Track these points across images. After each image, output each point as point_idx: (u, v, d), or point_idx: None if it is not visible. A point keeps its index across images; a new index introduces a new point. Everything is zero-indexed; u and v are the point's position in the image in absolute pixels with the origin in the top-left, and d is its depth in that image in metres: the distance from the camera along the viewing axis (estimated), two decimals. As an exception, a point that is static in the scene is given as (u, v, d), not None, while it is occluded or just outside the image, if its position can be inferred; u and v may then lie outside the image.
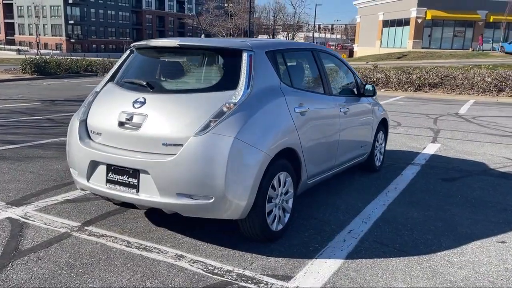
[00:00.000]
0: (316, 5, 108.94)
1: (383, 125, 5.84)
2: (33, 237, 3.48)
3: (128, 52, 3.99)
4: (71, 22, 73.39)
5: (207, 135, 3.04)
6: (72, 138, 3.63)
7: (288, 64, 3.83)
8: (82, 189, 3.77)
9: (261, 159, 3.16)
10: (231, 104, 3.15)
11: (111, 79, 3.87)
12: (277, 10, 77.00)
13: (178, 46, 3.51)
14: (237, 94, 3.20)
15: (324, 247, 3.43)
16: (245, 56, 3.37)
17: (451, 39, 45.05)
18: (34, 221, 3.81)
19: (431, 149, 7.38)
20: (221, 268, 3.06)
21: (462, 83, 18.17)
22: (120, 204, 4.16)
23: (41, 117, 9.75)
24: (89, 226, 3.74)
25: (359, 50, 51.10)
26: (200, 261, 3.15)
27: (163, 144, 3.17)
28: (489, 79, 17.77)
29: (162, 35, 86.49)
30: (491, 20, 43.77)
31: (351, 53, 60.17)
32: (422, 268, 3.14)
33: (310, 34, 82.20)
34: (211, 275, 2.95)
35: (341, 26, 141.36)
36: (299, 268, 3.08)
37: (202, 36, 4.26)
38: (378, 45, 48.47)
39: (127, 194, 3.28)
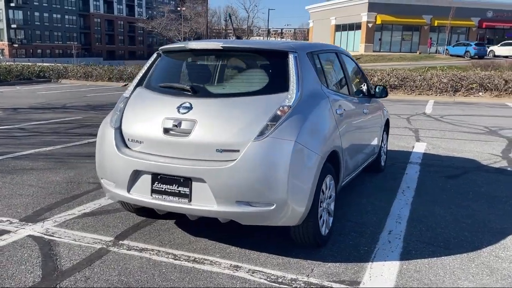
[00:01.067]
0: (269, 9, 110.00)
1: (386, 125, 5.95)
2: (69, 256, 3.22)
3: (155, 55, 3.81)
4: (14, 26, 69.78)
5: (267, 140, 2.94)
6: (107, 147, 3.40)
7: (323, 65, 3.80)
8: (119, 201, 3.53)
9: (317, 163, 3.11)
10: (286, 107, 3.07)
11: (139, 84, 3.67)
12: (227, 14, 76.88)
13: (221, 48, 3.39)
14: (290, 97, 3.12)
15: (374, 250, 3.41)
16: (291, 57, 3.30)
17: (399, 43, 46.94)
18: (60, 237, 3.54)
19: (420, 148, 7.59)
20: (284, 277, 2.96)
21: (421, 84, 18.94)
22: (145, 215, 3.95)
23: (9, 127, 9.15)
24: (123, 240, 3.52)
25: (313, 54, 52.08)
26: (259, 271, 3.04)
27: (217, 151, 3.03)
28: (445, 80, 18.64)
29: (111, 39, 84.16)
30: (435, 24, 46.05)
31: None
32: (477, 265, 3.20)
33: (261, 38, 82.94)
34: (277, 285, 2.85)
35: (290, 31, 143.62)
36: (361, 272, 3.04)
37: (233, 38, 4.12)
38: (332, 48, 49.60)
39: (177, 204, 3.11)
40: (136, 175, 3.24)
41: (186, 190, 3.08)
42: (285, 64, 3.28)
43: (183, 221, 3.90)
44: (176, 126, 3.15)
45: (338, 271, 3.05)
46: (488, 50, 39.59)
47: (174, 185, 3.12)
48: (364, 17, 44.67)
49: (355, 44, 46.43)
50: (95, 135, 8.34)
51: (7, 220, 3.90)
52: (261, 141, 2.95)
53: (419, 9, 44.98)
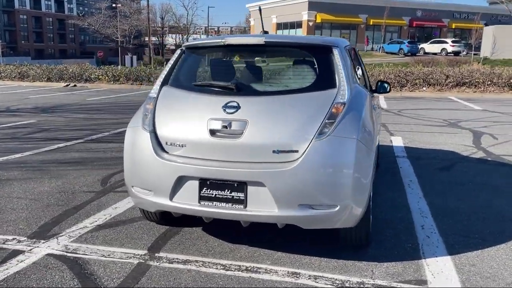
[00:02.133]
0: (208, 7, 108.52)
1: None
2: (108, 274, 2.90)
3: (178, 52, 3.53)
4: None
5: (329, 139, 2.81)
6: (142, 152, 3.10)
7: (353, 61, 3.73)
8: (157, 210, 3.21)
9: (373, 160, 3.03)
10: (340, 104, 2.96)
11: (165, 83, 3.39)
12: (164, 11, 75.13)
13: (264, 43, 3.19)
14: (343, 94, 3.01)
15: (418, 246, 3.40)
16: (336, 52, 3.19)
17: (338, 41, 48.41)
18: (86, 254, 3.19)
19: (398, 141, 7.78)
20: (349, 280, 2.86)
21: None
22: (166, 223, 3.68)
23: (-40, 133, 8.27)
24: (158, 252, 3.24)
25: (255, 52, 52.36)
26: (321, 276, 2.91)
27: (273, 152, 2.85)
28: (392, 76, 19.43)
29: (40, 37, 79.17)
30: (371, 23, 48.00)
31: (242, 55, 61.27)
32: (522, 255, 3.27)
33: (198, 37, 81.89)
34: (347, 290, 2.74)
35: (227, 29, 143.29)
36: (420, 270, 3.00)
37: (261, 32, 3.92)
38: (273, 46, 50.17)
39: (230, 211, 2.90)
40: (180, 181, 2.98)
41: (241, 195, 2.87)
42: (331, 60, 3.16)
43: (210, 227, 3.67)
44: (225, 127, 2.93)
45: (398, 271, 2.99)
46: (419, 47, 41.91)
47: (226, 190, 2.90)
48: (304, 16, 45.57)
49: (296, 42, 47.26)
50: (62, 139, 7.80)
51: (14, 239, 3.46)
52: (323, 140, 2.81)
53: (355, 8, 46.67)
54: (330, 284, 2.80)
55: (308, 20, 45.57)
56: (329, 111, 2.91)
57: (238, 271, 2.97)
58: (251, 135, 2.89)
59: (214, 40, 3.40)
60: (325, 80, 3.10)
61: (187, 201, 2.99)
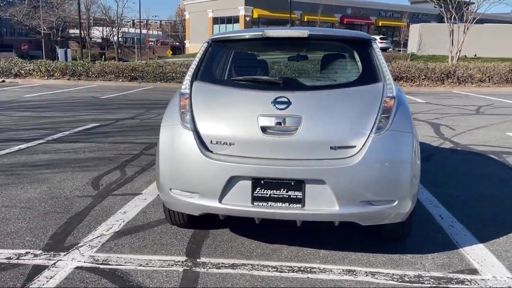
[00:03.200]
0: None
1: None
2: (158, 284, 2.67)
3: (205, 45, 3.31)
4: None
5: (388, 133, 2.79)
6: (185, 152, 2.89)
7: None
8: (201, 213, 2.99)
9: (420, 153, 3.05)
10: (390, 98, 2.94)
11: (195, 78, 3.17)
12: (90, 2, 71.41)
13: (307, 36, 3.09)
14: (390, 88, 2.99)
15: (449, 235, 3.49)
16: (375, 46, 3.17)
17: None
18: (121, 265, 2.92)
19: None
20: (407, 274, 2.86)
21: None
22: (190, 226, 3.47)
23: None
24: (199, 257, 3.04)
25: (191, 47, 51.45)
26: (377, 272, 2.89)
27: (331, 148, 2.78)
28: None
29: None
30: (305, 20, 49.09)
31: (174, 50, 60.16)
32: (543, 238, 3.47)
33: (126, 30, 78.85)
34: (410, 285, 2.74)
35: (156, 22, 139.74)
36: (465, 260, 3.06)
37: (288, 25, 3.78)
38: (210, 41, 49.69)
39: (287, 211, 2.78)
40: (230, 182, 2.80)
41: (298, 193, 2.77)
42: (372, 53, 3.13)
43: (237, 227, 3.52)
44: (279, 124, 2.80)
45: (445, 262, 3.05)
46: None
47: (282, 189, 2.78)
48: (241, 11, 45.57)
49: (233, 37, 47.14)
50: (19, 140, 7.18)
51: (28, 253, 3.08)
52: (382, 135, 2.78)
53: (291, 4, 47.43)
54: (390, 279, 2.79)
55: (245, 15, 45.64)
56: (381, 106, 2.88)
57: (292, 272, 2.86)
58: (307, 131, 2.79)
59: (251, 32, 3.23)
60: (370, 74, 3.06)
61: (239, 202, 2.83)
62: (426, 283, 2.76)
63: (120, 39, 55.27)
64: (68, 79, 19.12)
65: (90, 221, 3.68)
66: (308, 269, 2.91)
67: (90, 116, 9.52)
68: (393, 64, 20.68)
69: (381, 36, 46.08)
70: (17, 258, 2.99)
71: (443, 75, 18.64)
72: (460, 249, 3.25)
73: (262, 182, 2.79)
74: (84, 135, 7.50)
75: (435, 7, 29.50)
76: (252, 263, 2.98)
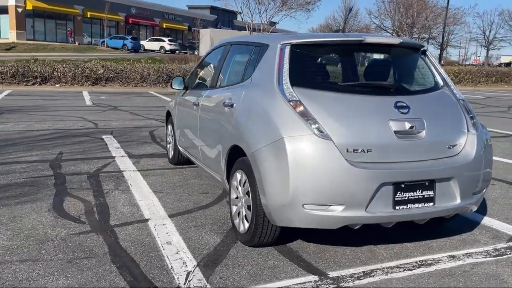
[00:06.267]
0: None
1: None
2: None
3: (287, 50, 3.07)
4: None
5: (480, 131, 3.18)
6: (329, 163, 2.72)
7: None
8: (342, 226, 2.86)
9: None
10: (463, 101, 3.34)
11: (293, 83, 2.96)
12: None
13: (398, 44, 3.24)
14: (456, 91, 3.38)
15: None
16: (428, 54, 3.51)
17: (54, 32, 44.30)
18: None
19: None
20: (486, 250, 3.30)
21: (135, 77, 19.20)
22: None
23: None
24: (327, 273, 2.85)
25: None
26: (470, 252, 3.24)
27: (448, 148, 3.04)
28: (154, 72, 19.63)
29: None
30: (88, 16, 45.99)
31: None
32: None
33: None
34: (492, 258, 3.19)
35: None
36: (505, 237, 3.69)
37: (340, 31, 3.67)
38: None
39: (422, 210, 2.92)
40: (378, 189, 2.75)
41: (430, 193, 2.92)
42: (425, 58, 3.47)
43: (310, 232, 3.41)
44: (412, 127, 2.90)
45: (493, 234, 3.61)
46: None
47: (418, 190, 2.88)
48: (11, 1, 39.51)
49: (2, 31, 40.55)
50: None
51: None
52: (478, 133, 3.17)
53: (69, -2, 43.71)
54: (487, 255, 3.20)
55: (17, 6, 39.80)
56: (461, 108, 3.26)
57: (423, 266, 3.00)
58: (430, 133, 2.96)
59: (352, 38, 3.19)
60: (436, 78, 3.40)
61: (381, 209, 2.80)
62: (500, 254, 3.26)
63: None
64: None
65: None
66: (428, 261, 3.07)
67: None
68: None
69: (170, 38, 46.82)
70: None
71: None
72: (490, 226, 3.84)
73: (402, 186, 2.84)
74: None
75: (211, 14, 31.68)
76: (382, 266, 2.98)
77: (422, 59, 3.40)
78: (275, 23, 28.87)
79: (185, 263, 2.96)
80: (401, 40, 3.31)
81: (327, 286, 2.71)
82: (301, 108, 2.84)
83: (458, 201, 3.06)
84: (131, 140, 7.23)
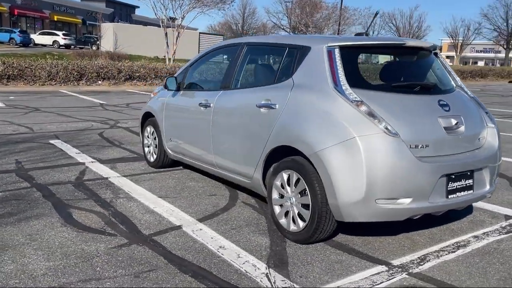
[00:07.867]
0: None
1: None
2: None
3: (337, 51, 3.19)
4: None
5: (492, 125, 3.61)
6: (401, 159, 2.91)
7: None
8: (409, 217, 3.07)
9: None
10: (476, 98, 3.76)
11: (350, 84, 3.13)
12: None
13: (427, 48, 3.53)
14: (466, 89, 3.79)
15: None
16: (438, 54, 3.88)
17: None
18: None
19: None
20: (496, 229, 3.78)
21: (42, 74, 17.65)
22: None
23: None
24: (390, 262, 3.04)
25: None
26: (485, 232, 3.67)
27: (478, 140, 3.41)
28: (66, 70, 18.19)
29: None
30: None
31: None
32: None
33: None
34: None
35: None
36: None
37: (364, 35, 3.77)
38: None
39: (466, 198, 3.27)
40: (438, 180, 3.03)
41: (470, 181, 3.28)
42: (442, 61, 3.83)
43: (346, 225, 3.58)
44: (457, 123, 3.22)
45: (493, 215, 4.10)
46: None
47: (462, 180, 3.22)
48: None
49: None
50: None
51: None
52: (495, 126, 3.61)
53: None
54: (500, 233, 3.65)
55: None
56: (476, 104, 3.67)
57: (461, 248, 3.35)
58: (468, 128, 3.31)
59: (390, 41, 3.43)
60: (454, 78, 3.76)
61: (438, 198, 3.08)
62: (515, 231, 3.78)
63: None
64: None
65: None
66: (462, 243, 3.43)
67: None
68: (123, 63, 20.32)
69: (64, 32, 43.51)
70: None
71: (168, 74, 20.01)
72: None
73: (453, 176, 3.14)
74: None
75: (107, 7, 30.35)
76: (425, 252, 3.24)
77: (439, 61, 3.74)
78: (175, 18, 28.19)
79: (255, 265, 2.94)
80: (433, 44, 3.63)
81: (400, 273, 2.90)
82: (365, 108, 2.98)
83: (488, 187, 3.46)
84: (86, 144, 6.73)
